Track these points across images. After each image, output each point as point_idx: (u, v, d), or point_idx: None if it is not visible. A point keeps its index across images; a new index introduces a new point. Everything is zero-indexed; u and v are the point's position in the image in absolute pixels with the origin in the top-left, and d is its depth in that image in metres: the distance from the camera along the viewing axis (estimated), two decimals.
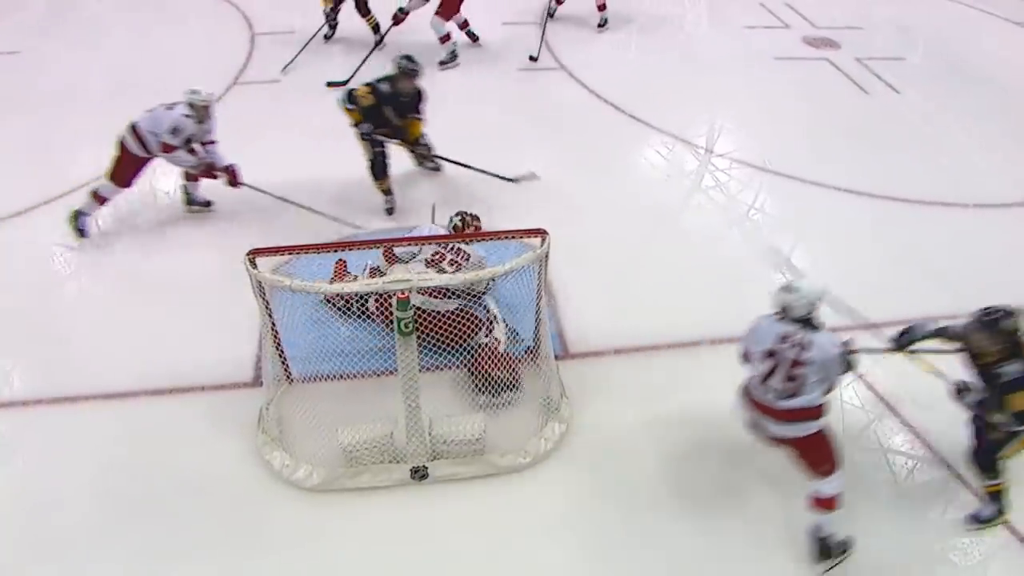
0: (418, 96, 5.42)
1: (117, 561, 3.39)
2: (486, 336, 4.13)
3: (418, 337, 3.28)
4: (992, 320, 3.23)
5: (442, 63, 7.41)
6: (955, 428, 4.14)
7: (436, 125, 6.52)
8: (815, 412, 3.31)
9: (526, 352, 4.27)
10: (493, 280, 3.98)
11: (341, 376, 4.07)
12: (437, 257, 4.18)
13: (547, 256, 3.67)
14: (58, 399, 4.06)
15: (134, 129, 4.99)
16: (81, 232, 5.14)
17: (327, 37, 7.80)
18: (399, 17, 7.30)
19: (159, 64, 7.42)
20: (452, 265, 4.15)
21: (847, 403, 4.33)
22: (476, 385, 3.98)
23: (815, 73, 8.06)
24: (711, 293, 4.91)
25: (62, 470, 3.74)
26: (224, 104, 6.69)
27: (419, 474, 3.67)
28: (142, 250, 5.14)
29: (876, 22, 9.33)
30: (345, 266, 4.48)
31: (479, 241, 4.09)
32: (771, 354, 3.29)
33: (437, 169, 5.92)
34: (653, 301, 4.86)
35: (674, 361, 4.47)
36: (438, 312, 3.96)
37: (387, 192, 5.49)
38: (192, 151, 5.09)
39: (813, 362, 3.21)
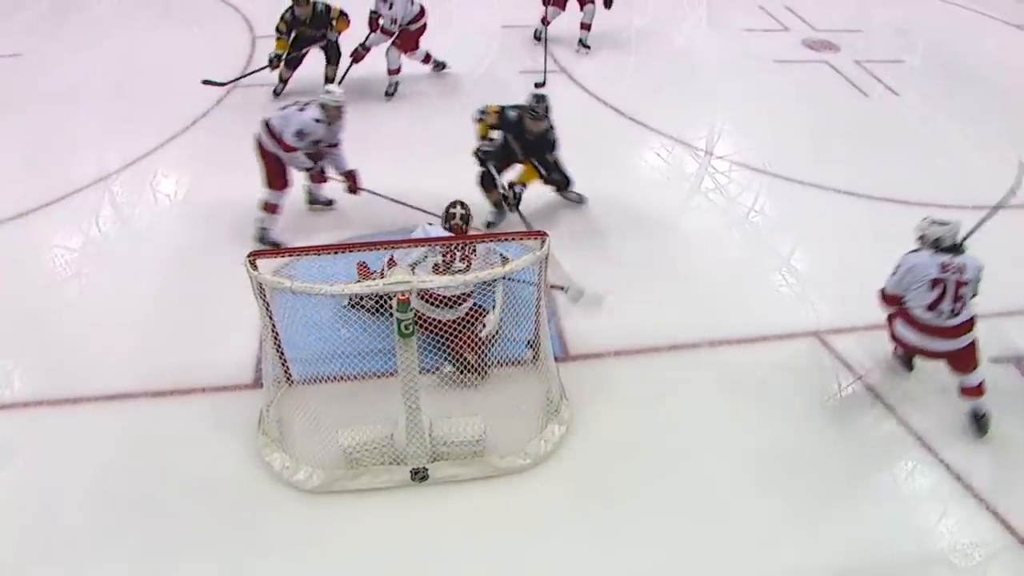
0: (544, 140, 5.19)
1: (118, 561, 3.39)
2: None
3: (424, 339, 3.29)
4: None
5: (387, 95, 7.13)
6: (956, 430, 4.18)
7: (436, 130, 6.56)
8: (974, 322, 3.94)
9: (527, 345, 4.28)
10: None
11: (341, 378, 4.09)
12: (448, 258, 4.08)
13: (547, 258, 3.68)
14: (59, 400, 4.07)
15: (267, 126, 4.94)
16: (275, 245, 5.03)
17: (276, 93, 6.98)
18: (359, 54, 6.85)
19: (160, 66, 7.47)
20: (463, 261, 4.08)
21: (846, 405, 4.34)
22: (446, 356, 4.01)
23: (814, 75, 8.09)
24: (711, 295, 4.92)
25: (63, 471, 3.74)
26: (222, 106, 6.73)
27: (419, 475, 3.67)
28: (142, 251, 5.15)
29: (875, 25, 9.36)
30: (367, 267, 4.47)
31: (479, 243, 4.09)
32: (937, 282, 3.83)
33: (580, 201, 5.69)
34: (653, 303, 4.87)
35: (674, 363, 4.47)
36: (439, 320, 3.98)
37: (497, 205, 5.34)
38: (313, 155, 5.00)
39: (971, 280, 3.86)
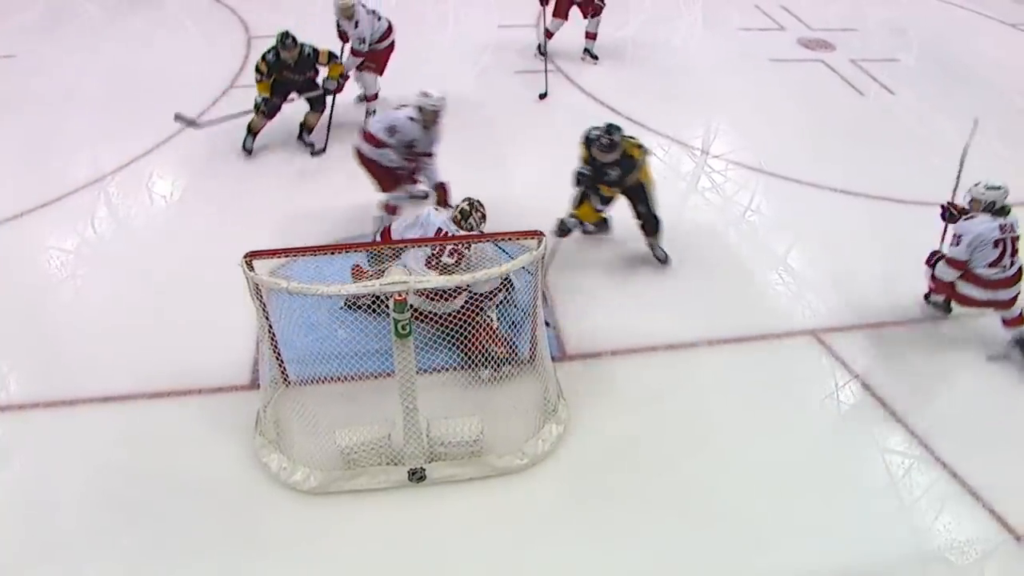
0: (618, 167, 4.75)
1: (115, 563, 3.39)
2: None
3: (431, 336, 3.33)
4: None
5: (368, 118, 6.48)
6: (953, 426, 4.19)
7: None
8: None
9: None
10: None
11: (338, 378, 4.09)
12: (437, 251, 4.09)
13: (543, 257, 3.67)
14: (55, 402, 4.06)
15: (364, 131, 4.95)
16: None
17: (247, 150, 6.17)
18: (341, 84, 6.20)
19: (156, 67, 7.45)
20: (452, 255, 4.08)
21: (843, 403, 4.35)
22: (477, 361, 4.00)
23: (810, 74, 8.10)
24: (708, 294, 4.93)
25: (60, 473, 3.73)
26: (218, 107, 6.71)
27: (417, 476, 3.67)
28: (138, 253, 5.14)
29: (870, 24, 9.37)
30: (362, 268, 4.44)
31: (475, 243, 4.09)
32: (998, 242, 4.33)
33: (665, 261, 5.22)
34: (650, 302, 4.87)
35: (671, 362, 4.48)
36: (436, 314, 3.98)
37: (596, 225, 5.13)
38: (410, 157, 4.90)
39: (1020, 236, 4.41)
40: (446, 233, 4.13)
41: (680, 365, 4.47)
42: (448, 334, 3.95)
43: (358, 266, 4.23)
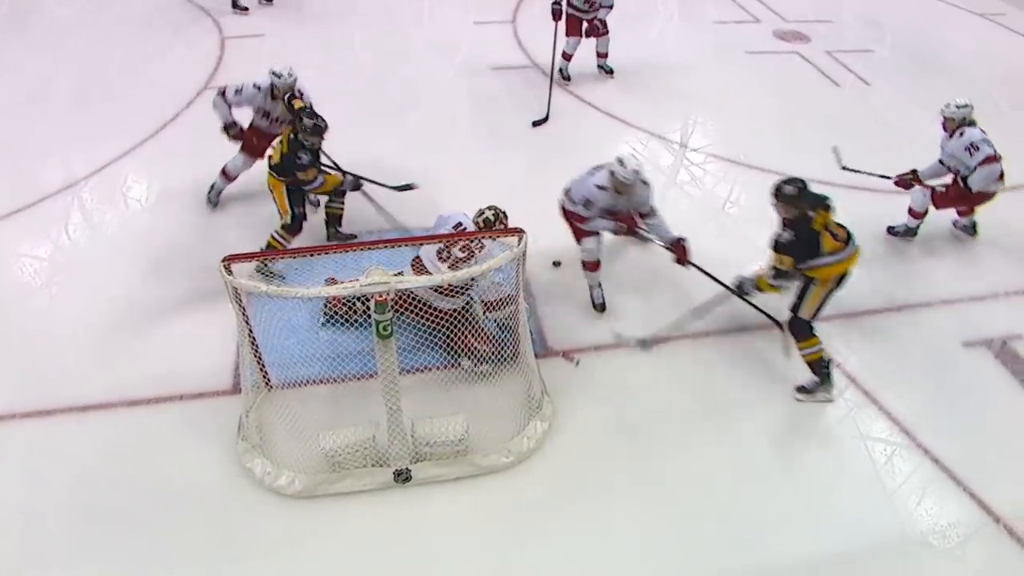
0: (792, 230, 4.02)
1: (100, 572, 3.34)
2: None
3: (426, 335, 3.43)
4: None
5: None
6: (933, 412, 4.24)
7: (411, 126, 6.53)
8: None
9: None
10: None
11: (321, 381, 4.06)
12: (449, 244, 4.14)
13: (525, 255, 3.66)
14: (31, 413, 3.99)
15: (567, 192, 4.61)
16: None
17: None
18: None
19: (127, 68, 7.35)
20: (464, 250, 4.10)
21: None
22: (459, 352, 4.02)
23: (786, 66, 8.16)
24: (689, 287, 4.94)
25: (40, 485, 3.67)
26: (192, 109, 6.64)
27: (402, 477, 3.65)
28: (113, 259, 5.05)
29: (844, 15, 9.46)
30: (335, 281, 4.38)
31: (480, 242, 4.07)
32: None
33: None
34: (632, 297, 4.88)
35: (654, 357, 4.48)
36: (436, 309, 3.99)
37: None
38: (616, 216, 4.57)
39: None
40: (464, 228, 4.18)
41: (663, 359, 4.47)
42: (436, 328, 3.95)
43: (332, 278, 4.21)
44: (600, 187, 4.41)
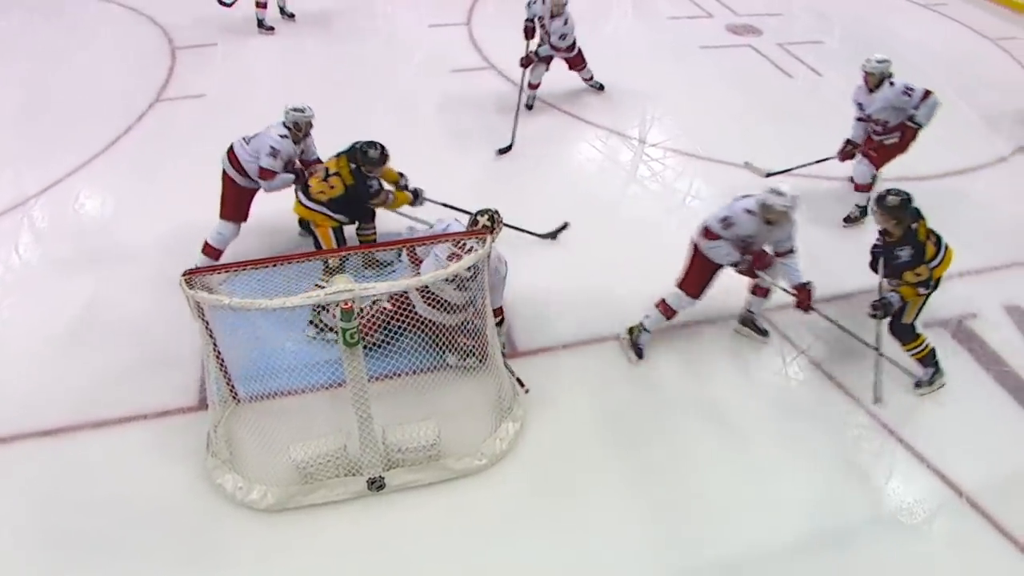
0: (909, 247, 4.01)
1: None
2: None
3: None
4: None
5: None
6: (895, 393, 4.34)
7: (371, 131, 6.42)
8: None
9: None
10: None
11: (289, 392, 4.01)
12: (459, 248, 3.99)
13: (489, 256, 3.67)
14: None
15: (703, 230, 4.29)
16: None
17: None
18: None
19: (74, 82, 7.16)
20: (453, 259, 3.97)
21: (792, 379, 4.47)
22: (444, 347, 3.97)
23: (740, 59, 8.28)
24: (652, 281, 4.96)
25: (2, 514, 3.56)
26: (145, 122, 6.51)
27: (376, 485, 3.63)
28: (68, 278, 4.91)
29: (794, 8, 9.65)
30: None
31: (427, 245, 4.04)
32: None
33: None
34: (596, 293, 4.91)
35: (620, 352, 4.53)
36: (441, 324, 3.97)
37: None
38: (747, 246, 4.24)
39: None
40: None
41: (630, 355, 4.51)
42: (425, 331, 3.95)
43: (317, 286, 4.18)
44: (749, 211, 4.10)
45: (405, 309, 3.80)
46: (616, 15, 9.35)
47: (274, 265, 3.51)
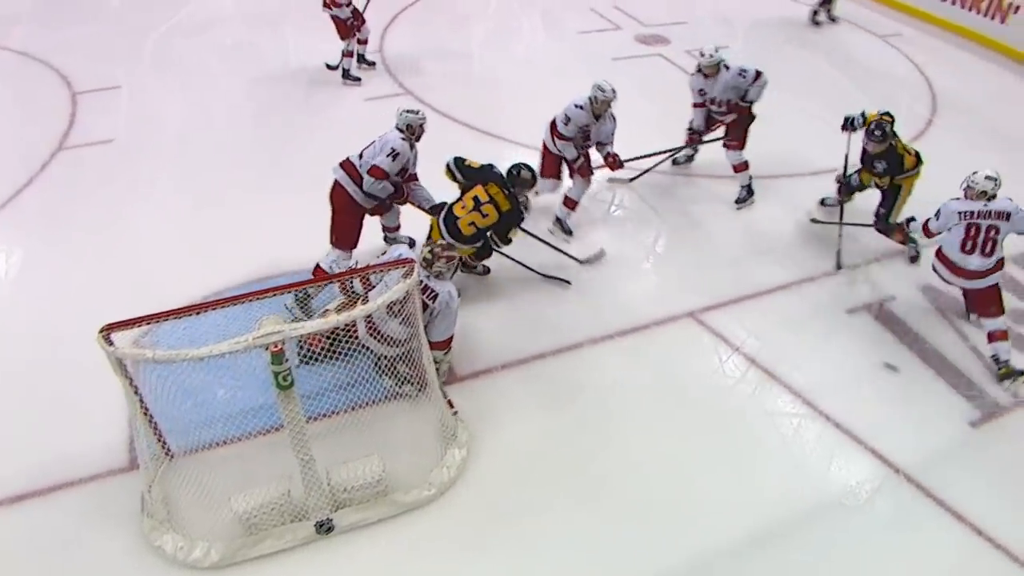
0: (884, 161, 5.18)
1: None
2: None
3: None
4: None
5: None
6: (829, 379, 4.48)
7: (289, 169, 6.32)
8: None
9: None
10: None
11: (225, 441, 3.84)
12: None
13: (417, 286, 3.61)
14: None
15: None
16: None
17: None
18: None
19: None
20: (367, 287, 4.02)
21: (729, 376, 4.55)
22: (381, 371, 3.94)
23: (651, 68, 8.49)
24: (587, 294, 5.03)
25: None
26: (49, 172, 6.21)
27: (324, 527, 3.52)
28: None
29: (698, 16, 9.97)
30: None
31: (347, 279, 3.96)
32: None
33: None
34: (531, 309, 4.92)
35: (561, 366, 4.54)
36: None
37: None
38: (585, 140, 5.43)
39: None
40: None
41: (569, 368, 4.54)
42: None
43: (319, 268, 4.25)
44: (578, 106, 5.25)
45: (348, 329, 3.71)
46: (527, 34, 9.45)
47: (197, 313, 3.38)
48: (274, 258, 5.06)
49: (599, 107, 5.32)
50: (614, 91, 5.34)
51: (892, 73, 8.75)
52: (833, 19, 10.10)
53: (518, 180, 4.65)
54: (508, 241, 4.84)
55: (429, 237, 4.45)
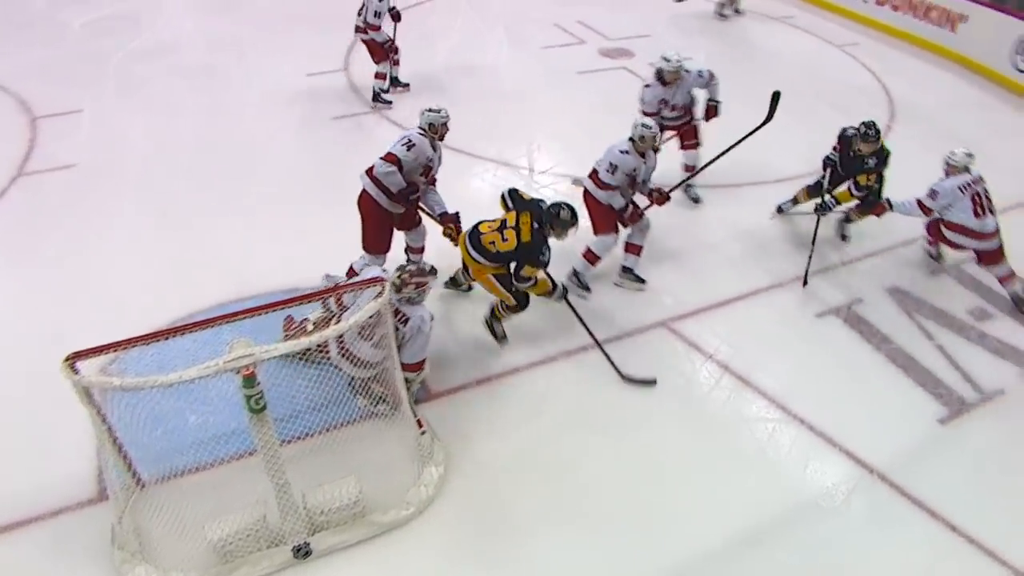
0: (875, 157, 5.50)
1: None
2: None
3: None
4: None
5: None
6: (801, 383, 4.53)
7: (256, 190, 6.27)
8: None
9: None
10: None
11: (198, 468, 3.77)
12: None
13: (389, 303, 3.59)
14: None
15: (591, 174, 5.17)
16: None
17: None
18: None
19: None
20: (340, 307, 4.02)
21: (703, 384, 4.59)
22: (355, 391, 3.90)
23: (616, 81, 8.58)
24: (556, 308, 5.02)
25: None
26: (8, 199, 6.09)
27: (302, 552, 3.46)
28: None
29: (660, 29, 10.13)
30: (292, 320, 4.22)
31: (316, 300, 3.92)
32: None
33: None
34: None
35: (536, 380, 4.54)
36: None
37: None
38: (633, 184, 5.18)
39: None
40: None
41: (545, 381, 4.54)
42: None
43: (290, 317, 4.12)
44: (623, 151, 5.07)
45: (321, 349, 3.66)
46: (492, 50, 9.51)
47: (166, 338, 3.32)
48: (242, 281, 5.02)
49: (644, 145, 5.07)
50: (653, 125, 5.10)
51: (851, 82, 8.98)
52: (739, 11, 10.70)
53: (556, 219, 4.42)
54: (525, 293, 4.58)
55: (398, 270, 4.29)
